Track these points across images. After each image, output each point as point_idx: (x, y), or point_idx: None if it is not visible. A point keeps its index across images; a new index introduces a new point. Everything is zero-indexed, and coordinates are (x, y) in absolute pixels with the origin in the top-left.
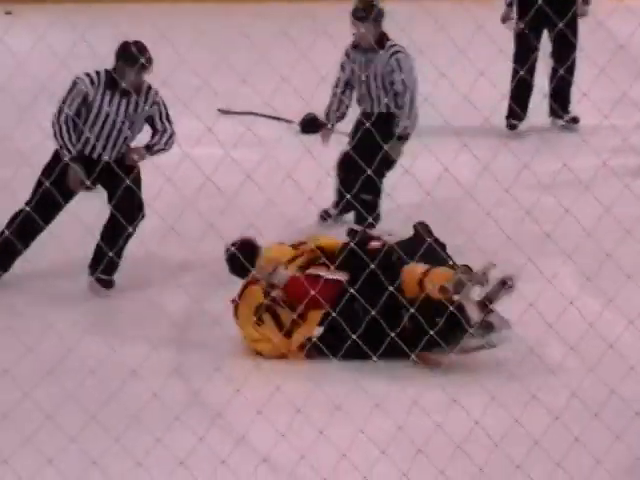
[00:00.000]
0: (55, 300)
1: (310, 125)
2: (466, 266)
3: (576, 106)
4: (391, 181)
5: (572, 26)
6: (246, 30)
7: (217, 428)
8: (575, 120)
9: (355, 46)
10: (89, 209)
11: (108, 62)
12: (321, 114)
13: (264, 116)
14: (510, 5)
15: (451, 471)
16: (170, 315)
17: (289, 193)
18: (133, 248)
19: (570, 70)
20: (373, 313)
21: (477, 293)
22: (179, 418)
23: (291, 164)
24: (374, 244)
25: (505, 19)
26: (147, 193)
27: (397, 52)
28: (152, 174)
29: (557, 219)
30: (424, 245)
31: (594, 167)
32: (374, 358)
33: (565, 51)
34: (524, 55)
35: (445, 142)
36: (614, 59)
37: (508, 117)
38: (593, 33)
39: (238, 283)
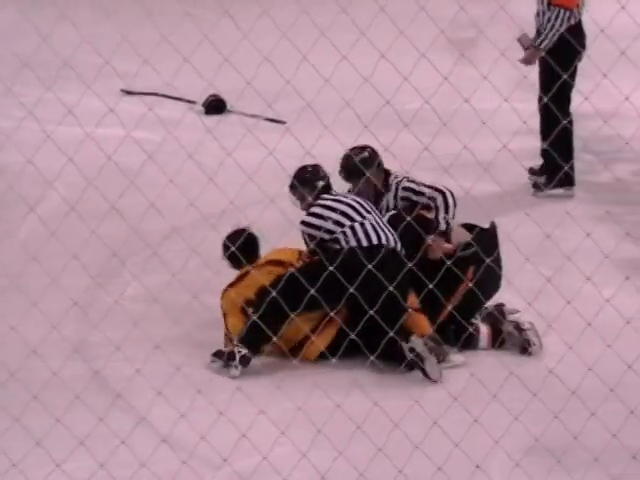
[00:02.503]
0: None
1: (214, 107)
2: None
3: (478, 90)
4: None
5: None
6: (149, 10)
7: (117, 408)
8: None
9: None
10: None
11: None
12: (225, 95)
13: (167, 97)
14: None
15: (350, 451)
16: (71, 294)
17: (191, 174)
18: (33, 226)
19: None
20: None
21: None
22: (79, 398)
23: (193, 145)
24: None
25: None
26: (49, 173)
27: (402, 184)
28: (54, 154)
29: (457, 200)
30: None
31: (494, 150)
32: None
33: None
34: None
35: (347, 124)
36: (514, 42)
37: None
38: (494, 16)
39: (137, 264)
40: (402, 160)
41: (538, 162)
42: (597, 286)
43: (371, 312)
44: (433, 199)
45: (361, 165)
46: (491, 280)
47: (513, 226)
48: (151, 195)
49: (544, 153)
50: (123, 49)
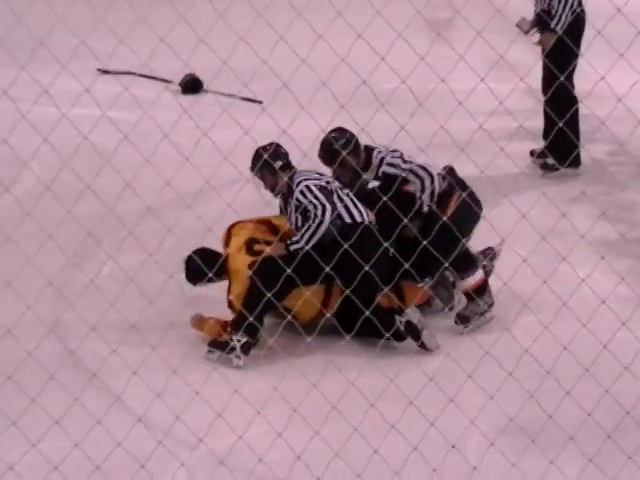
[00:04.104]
0: None
1: (191, 86)
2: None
3: (455, 70)
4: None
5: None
6: None
7: (92, 388)
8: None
9: None
10: None
11: None
12: (201, 75)
13: (143, 76)
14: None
15: (326, 431)
16: (46, 274)
17: (167, 154)
18: (7, 206)
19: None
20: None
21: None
22: (54, 378)
23: (169, 125)
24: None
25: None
26: (24, 153)
27: (386, 159)
28: (29, 134)
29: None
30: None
31: (470, 130)
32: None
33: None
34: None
35: (323, 104)
36: (491, 23)
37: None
38: None
39: (112, 243)
40: (378, 140)
41: (517, 143)
42: (573, 266)
43: (347, 292)
44: (421, 179)
45: (342, 149)
46: (475, 203)
47: (489, 206)
48: (127, 175)
49: (552, 134)
50: (99, 29)
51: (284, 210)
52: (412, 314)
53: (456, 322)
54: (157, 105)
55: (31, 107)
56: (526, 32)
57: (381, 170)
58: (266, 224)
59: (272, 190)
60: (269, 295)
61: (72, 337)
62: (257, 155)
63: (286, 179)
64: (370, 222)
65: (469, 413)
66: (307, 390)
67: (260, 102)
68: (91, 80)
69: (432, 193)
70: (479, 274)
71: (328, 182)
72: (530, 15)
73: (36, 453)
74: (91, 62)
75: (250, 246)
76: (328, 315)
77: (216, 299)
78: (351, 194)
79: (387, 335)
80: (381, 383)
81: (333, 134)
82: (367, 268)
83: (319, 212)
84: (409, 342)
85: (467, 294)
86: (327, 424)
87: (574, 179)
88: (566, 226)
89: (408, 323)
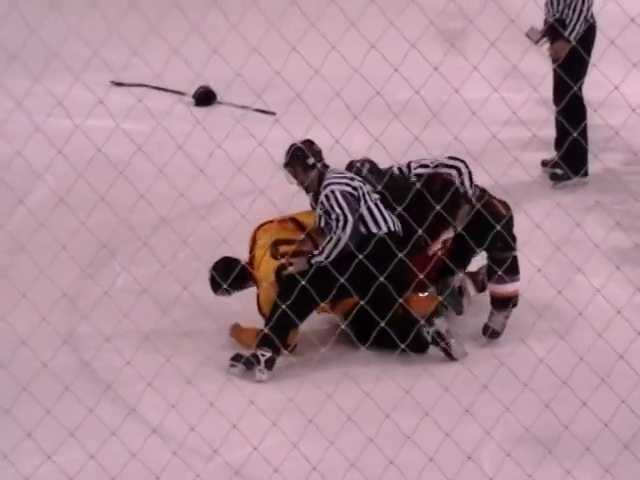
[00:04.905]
0: None
1: (204, 98)
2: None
3: (468, 80)
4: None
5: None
6: (137, 0)
7: (107, 399)
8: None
9: None
10: None
11: None
12: (214, 86)
13: (156, 88)
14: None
15: (341, 442)
16: (60, 285)
17: (180, 165)
18: (22, 218)
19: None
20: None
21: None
22: (69, 389)
23: (183, 136)
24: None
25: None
26: (38, 164)
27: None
28: (43, 145)
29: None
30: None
31: (484, 140)
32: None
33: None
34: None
35: (336, 115)
36: (504, 33)
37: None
38: (484, 7)
39: (126, 255)
40: (392, 151)
41: (531, 153)
42: (587, 276)
43: (362, 302)
44: (457, 168)
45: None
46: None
47: None
48: (140, 186)
49: (565, 144)
50: (112, 39)
51: (314, 205)
52: (440, 324)
53: (490, 336)
54: (170, 116)
55: (45, 119)
56: (536, 42)
57: (412, 175)
58: (292, 222)
59: (302, 185)
60: (283, 306)
61: (87, 348)
62: (290, 150)
63: (306, 190)
64: (396, 231)
65: (485, 423)
66: (322, 401)
67: (273, 113)
68: (105, 91)
69: (470, 176)
70: (518, 284)
71: (355, 188)
72: (540, 24)
73: (51, 465)
74: (104, 73)
75: (275, 249)
76: (343, 327)
77: (233, 309)
78: (379, 202)
79: (402, 346)
80: (396, 394)
81: (358, 164)
82: (381, 279)
83: (340, 224)
84: (429, 352)
85: (499, 301)
86: (342, 435)
87: (587, 188)
88: (580, 236)
89: (437, 333)
